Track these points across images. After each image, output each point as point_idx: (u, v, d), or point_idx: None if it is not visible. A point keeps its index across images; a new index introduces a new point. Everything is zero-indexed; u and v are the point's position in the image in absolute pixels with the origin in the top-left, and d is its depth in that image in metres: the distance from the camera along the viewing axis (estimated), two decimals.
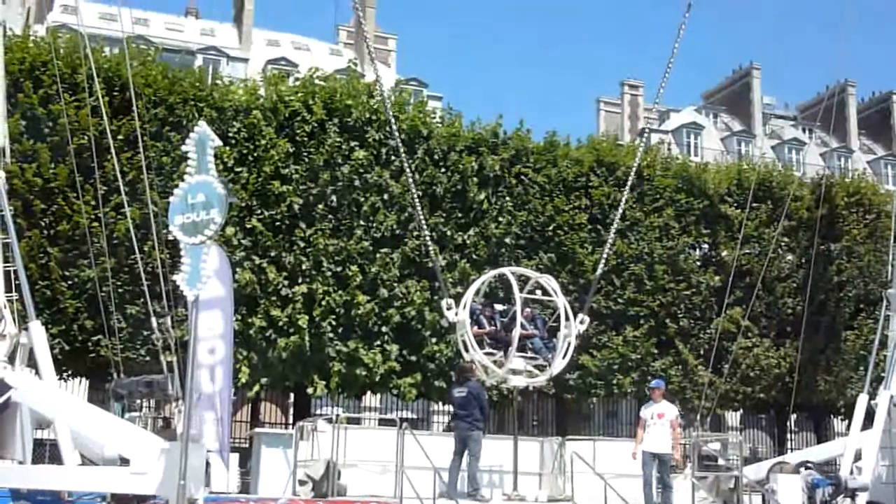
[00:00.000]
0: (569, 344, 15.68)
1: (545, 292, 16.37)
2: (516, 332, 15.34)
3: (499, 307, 16.64)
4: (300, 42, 51.00)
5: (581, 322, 15.85)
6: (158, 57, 23.24)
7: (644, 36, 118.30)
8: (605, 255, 18.29)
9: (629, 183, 17.99)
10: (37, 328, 13.90)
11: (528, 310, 16.15)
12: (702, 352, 25.22)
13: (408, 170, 18.20)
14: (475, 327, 15.84)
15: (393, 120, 19.62)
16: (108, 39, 23.81)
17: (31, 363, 13.81)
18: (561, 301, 15.71)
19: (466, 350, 15.52)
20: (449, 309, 15.67)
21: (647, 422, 15.15)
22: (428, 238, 18.09)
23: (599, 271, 18.25)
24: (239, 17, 48.98)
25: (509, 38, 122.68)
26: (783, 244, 26.85)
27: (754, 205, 25.62)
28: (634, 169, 18.43)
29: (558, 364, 15.78)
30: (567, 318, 15.62)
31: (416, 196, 17.79)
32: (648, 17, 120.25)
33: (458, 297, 16.39)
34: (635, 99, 55.80)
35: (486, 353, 15.63)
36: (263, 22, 50.16)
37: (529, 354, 15.92)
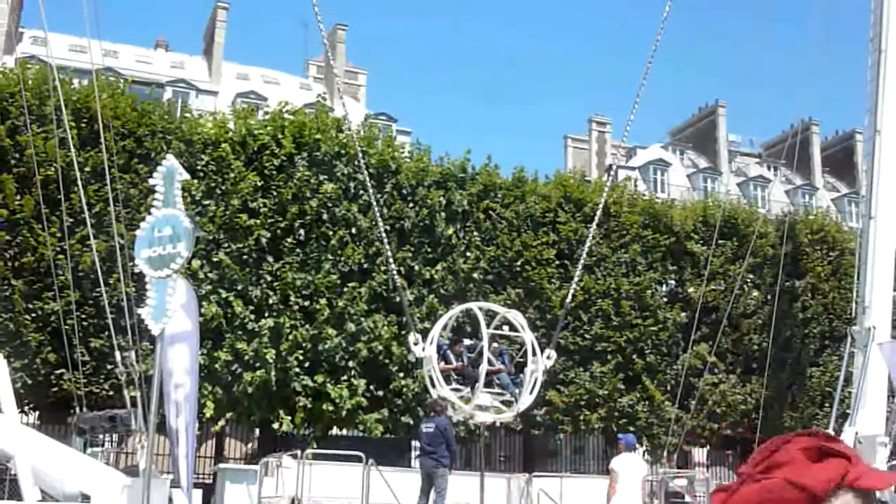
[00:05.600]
0: (536, 380, 15.65)
1: (512, 328, 16.37)
2: (483, 368, 15.29)
3: (466, 342, 16.62)
4: (270, 76, 51.05)
5: (548, 357, 15.83)
6: (128, 89, 23.22)
7: (612, 73, 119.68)
8: (572, 291, 18.35)
9: (596, 219, 18.09)
10: None
11: (495, 345, 16.15)
12: (668, 388, 25.35)
13: (375, 204, 18.22)
14: (442, 363, 15.79)
15: (361, 154, 19.67)
16: (77, 71, 23.69)
17: None
18: (528, 336, 15.70)
19: (433, 386, 15.45)
20: (416, 344, 15.60)
21: (619, 475, 14.64)
22: (395, 273, 18.08)
23: (567, 307, 18.31)
24: (209, 51, 48.99)
25: (479, 74, 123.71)
26: (749, 281, 27.12)
27: (720, 242, 25.90)
28: (601, 205, 18.55)
29: (525, 400, 15.74)
30: (534, 354, 15.61)
31: (383, 230, 17.79)
32: (616, 55, 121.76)
33: (425, 333, 16.34)
34: (602, 136, 56.22)
35: (453, 389, 15.57)
36: (233, 55, 50.20)
37: (496, 390, 15.88)
